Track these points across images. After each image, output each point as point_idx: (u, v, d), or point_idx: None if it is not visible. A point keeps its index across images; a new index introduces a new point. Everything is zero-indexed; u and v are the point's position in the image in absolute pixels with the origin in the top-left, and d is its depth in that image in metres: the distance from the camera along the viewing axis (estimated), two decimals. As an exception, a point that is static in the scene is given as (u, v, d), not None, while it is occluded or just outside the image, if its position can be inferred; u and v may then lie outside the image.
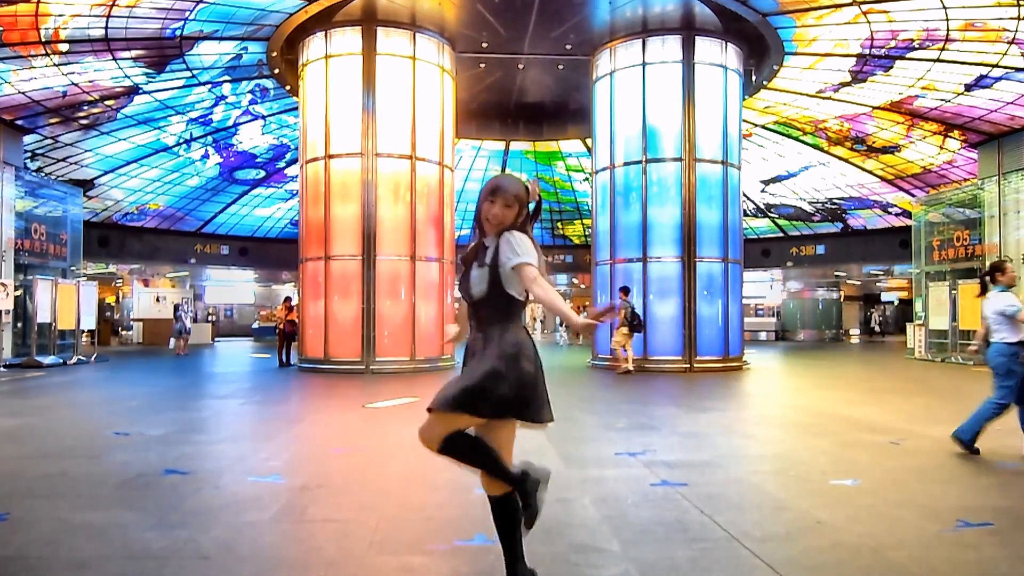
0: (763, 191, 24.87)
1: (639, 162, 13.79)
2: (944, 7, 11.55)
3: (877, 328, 34.15)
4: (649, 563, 3.03)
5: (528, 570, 2.62)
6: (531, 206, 2.63)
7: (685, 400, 9.22)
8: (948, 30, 12.36)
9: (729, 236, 13.94)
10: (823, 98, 16.92)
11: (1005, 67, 13.16)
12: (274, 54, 14.41)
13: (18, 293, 14.76)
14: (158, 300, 26.60)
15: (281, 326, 15.09)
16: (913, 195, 20.78)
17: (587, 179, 24.35)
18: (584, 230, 28.07)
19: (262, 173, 23.14)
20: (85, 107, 15.91)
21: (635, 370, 12.67)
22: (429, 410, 2.47)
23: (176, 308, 20.47)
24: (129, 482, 4.47)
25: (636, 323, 12.75)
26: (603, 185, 14.58)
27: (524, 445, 5.80)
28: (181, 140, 19.41)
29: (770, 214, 26.35)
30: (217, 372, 14.39)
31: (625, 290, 12.88)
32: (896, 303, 36.64)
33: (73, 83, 14.38)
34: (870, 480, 4.52)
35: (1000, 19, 11.75)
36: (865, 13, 12.24)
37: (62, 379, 11.87)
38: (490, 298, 2.52)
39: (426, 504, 4.06)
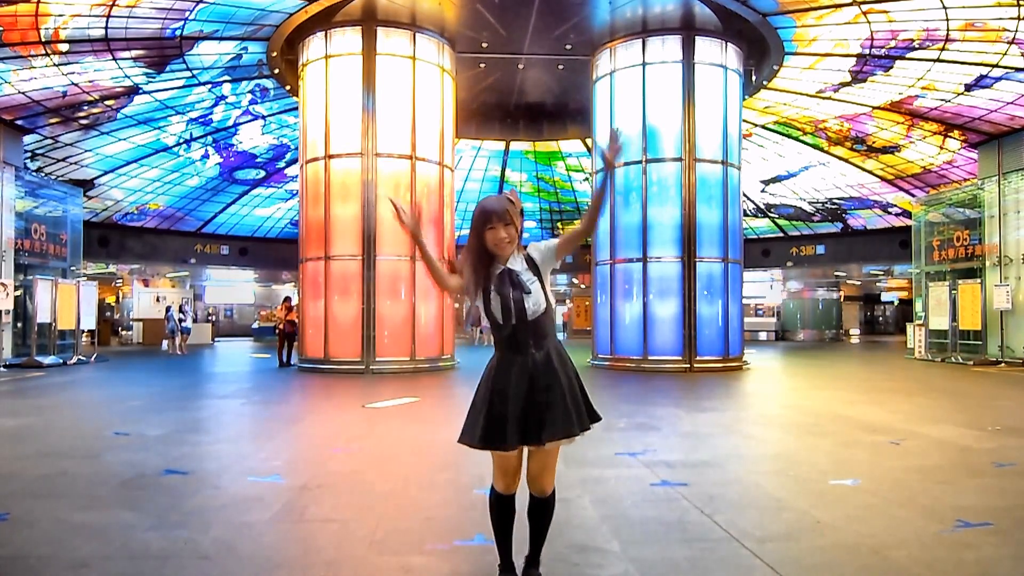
0: (763, 191, 24.87)
1: (639, 162, 13.78)
2: (944, 7, 11.55)
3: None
4: (649, 563, 3.04)
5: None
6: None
7: (685, 400, 9.22)
8: (948, 30, 12.36)
9: (729, 236, 13.94)
10: (823, 98, 16.92)
11: (1005, 67, 13.16)
12: (274, 54, 14.41)
13: (18, 293, 14.76)
14: (158, 300, 26.62)
15: (281, 326, 15.09)
16: (913, 195, 20.78)
17: (587, 179, 24.35)
18: (584, 230, 27.99)
19: (262, 173, 23.14)
20: (85, 107, 15.91)
21: (635, 370, 12.99)
22: (564, 437, 2.56)
23: (167, 309, 20.30)
24: (129, 482, 4.47)
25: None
26: (603, 185, 14.55)
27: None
28: (181, 140, 19.41)
29: (770, 214, 26.36)
30: (217, 372, 14.38)
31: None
32: (896, 303, 36.64)
33: (73, 83, 14.38)
34: (870, 480, 4.52)
35: (1000, 19, 11.74)
36: (865, 13, 12.23)
37: (62, 379, 11.86)
38: (547, 311, 2.58)
39: (426, 504, 4.05)
